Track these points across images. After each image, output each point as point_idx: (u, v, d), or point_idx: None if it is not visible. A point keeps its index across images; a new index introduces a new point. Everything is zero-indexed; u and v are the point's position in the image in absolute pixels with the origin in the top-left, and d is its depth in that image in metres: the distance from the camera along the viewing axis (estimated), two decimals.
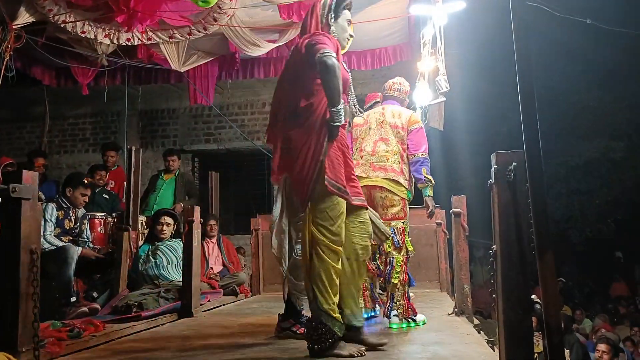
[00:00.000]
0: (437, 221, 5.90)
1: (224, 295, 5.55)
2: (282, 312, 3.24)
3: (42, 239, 3.85)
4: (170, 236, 5.16)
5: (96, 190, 5.66)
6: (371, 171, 3.69)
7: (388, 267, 3.61)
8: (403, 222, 3.65)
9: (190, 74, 6.44)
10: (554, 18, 5.68)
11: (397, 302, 3.55)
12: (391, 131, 3.76)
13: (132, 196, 4.86)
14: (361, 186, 3.08)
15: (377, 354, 2.70)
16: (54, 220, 4.42)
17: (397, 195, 3.64)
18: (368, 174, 3.68)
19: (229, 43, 5.67)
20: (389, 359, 2.62)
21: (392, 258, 3.59)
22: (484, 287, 9.92)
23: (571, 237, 13.70)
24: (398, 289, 3.55)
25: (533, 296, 1.99)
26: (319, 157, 2.63)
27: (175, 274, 4.94)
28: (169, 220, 5.14)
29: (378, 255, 3.83)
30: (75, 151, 9.68)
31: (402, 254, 3.60)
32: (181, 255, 4.90)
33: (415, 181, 3.74)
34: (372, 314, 3.92)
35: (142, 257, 5.02)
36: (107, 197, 5.81)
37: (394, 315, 3.55)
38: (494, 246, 2.10)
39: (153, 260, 4.96)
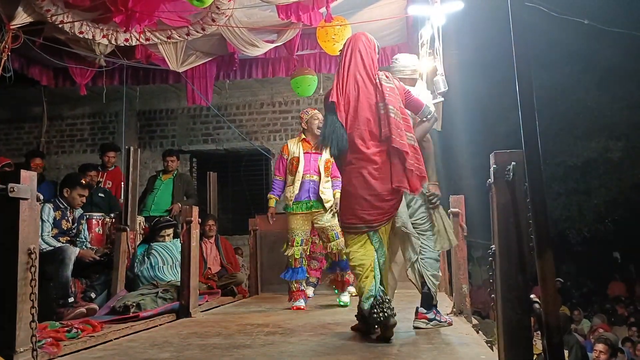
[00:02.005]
0: None
1: (222, 295, 5.55)
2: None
3: (39, 240, 3.84)
4: None
5: (92, 190, 5.64)
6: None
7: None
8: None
9: (189, 75, 6.42)
10: (552, 18, 5.70)
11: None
12: None
13: (130, 196, 4.84)
14: None
15: (376, 354, 2.70)
16: (51, 220, 4.40)
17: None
18: None
19: (227, 43, 5.66)
20: (388, 358, 2.62)
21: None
22: (482, 287, 9.94)
23: (569, 237, 13.71)
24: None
25: (532, 296, 1.99)
26: None
27: (170, 275, 4.92)
28: (169, 231, 5.19)
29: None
30: (73, 152, 9.65)
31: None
32: (177, 256, 4.90)
33: None
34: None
35: (139, 258, 5.01)
36: (102, 195, 5.75)
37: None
38: (493, 246, 2.09)
39: (148, 261, 4.95)
